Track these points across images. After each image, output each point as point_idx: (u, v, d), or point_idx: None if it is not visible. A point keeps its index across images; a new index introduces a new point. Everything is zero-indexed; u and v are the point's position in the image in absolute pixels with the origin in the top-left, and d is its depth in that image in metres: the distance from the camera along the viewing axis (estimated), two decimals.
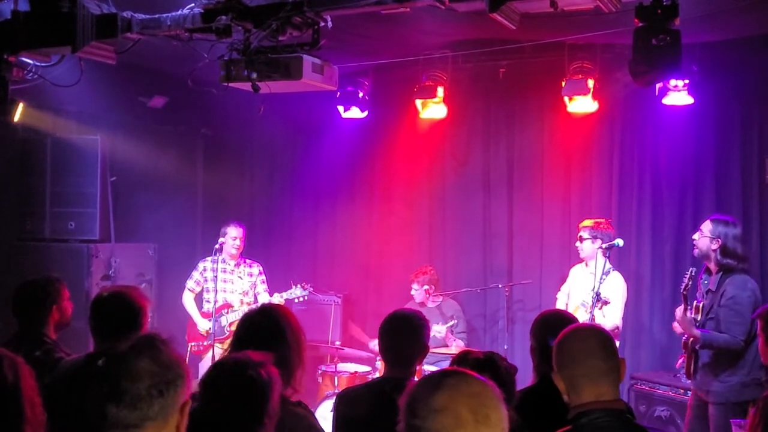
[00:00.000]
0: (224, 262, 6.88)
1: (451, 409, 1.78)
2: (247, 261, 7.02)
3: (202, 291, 6.94)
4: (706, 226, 5.06)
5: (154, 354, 1.96)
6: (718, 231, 4.98)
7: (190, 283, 6.93)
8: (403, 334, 3.43)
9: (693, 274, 4.96)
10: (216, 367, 2.56)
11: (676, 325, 5.17)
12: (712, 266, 5.04)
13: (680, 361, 5.29)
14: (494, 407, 1.82)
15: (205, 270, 6.90)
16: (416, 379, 3.45)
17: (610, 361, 2.47)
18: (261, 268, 7.06)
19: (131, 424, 1.91)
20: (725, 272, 4.96)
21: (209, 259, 6.90)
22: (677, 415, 5.81)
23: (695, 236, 5.14)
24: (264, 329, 2.97)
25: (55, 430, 2.53)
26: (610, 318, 5.73)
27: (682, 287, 4.93)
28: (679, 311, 4.94)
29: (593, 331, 2.61)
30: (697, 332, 4.88)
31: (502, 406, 1.85)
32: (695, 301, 5.11)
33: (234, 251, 6.83)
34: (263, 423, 2.45)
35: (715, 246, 4.96)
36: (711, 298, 4.99)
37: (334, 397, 3.69)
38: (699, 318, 5.02)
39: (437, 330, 6.45)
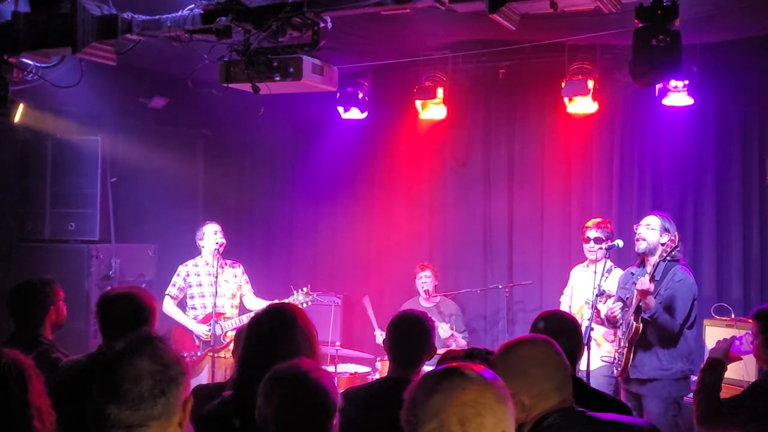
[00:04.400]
0: (207, 265, 6.57)
1: (439, 419, 1.73)
2: (228, 262, 6.68)
3: (184, 298, 6.62)
4: (654, 221, 5.27)
5: (154, 353, 1.95)
6: (666, 225, 5.23)
7: (172, 290, 6.56)
8: (414, 336, 3.43)
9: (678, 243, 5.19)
10: (283, 380, 2.50)
11: (613, 310, 5.32)
12: (654, 259, 5.18)
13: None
14: (490, 413, 1.76)
15: (188, 275, 6.57)
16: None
17: (566, 366, 2.48)
18: (243, 267, 6.79)
19: (134, 424, 1.90)
20: (669, 262, 5.15)
21: (190, 263, 6.63)
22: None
23: (641, 230, 5.27)
24: (273, 329, 2.95)
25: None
26: None
27: (659, 258, 5.09)
28: (645, 279, 4.99)
29: (541, 345, 2.53)
30: (653, 300, 4.99)
31: (504, 406, 1.79)
32: (626, 295, 5.28)
33: (217, 246, 6.42)
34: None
35: (665, 239, 5.18)
36: (655, 286, 5.08)
37: None
38: (630, 309, 5.14)
39: (441, 329, 6.46)
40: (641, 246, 5.25)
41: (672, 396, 5.05)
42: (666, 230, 5.21)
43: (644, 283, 4.97)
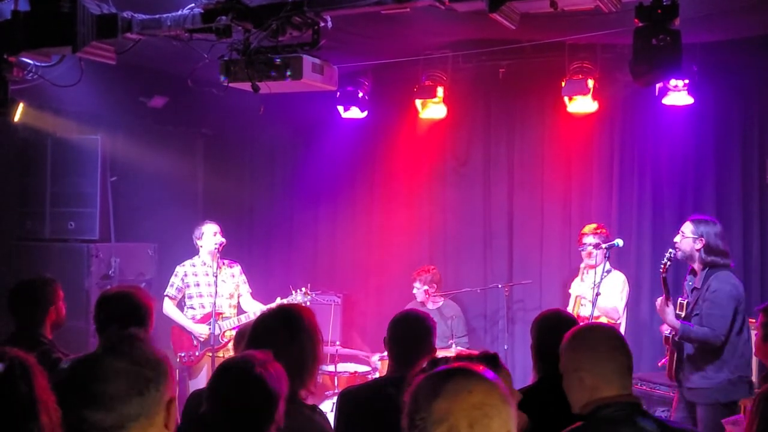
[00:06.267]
0: (204, 265, 6.57)
1: (448, 423, 1.72)
2: (226, 261, 6.65)
3: (183, 298, 6.60)
4: (687, 227, 5.12)
5: (131, 352, 1.92)
6: (700, 230, 5.04)
7: (170, 291, 6.56)
8: (415, 337, 3.43)
9: (671, 256, 5.07)
10: (224, 369, 2.52)
11: (664, 328, 5.21)
12: (697, 266, 5.09)
13: (663, 360, 5.33)
14: (497, 414, 1.75)
15: (186, 275, 6.56)
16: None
17: (630, 357, 2.58)
18: (240, 267, 6.76)
19: (111, 425, 1.86)
20: (710, 269, 5.01)
21: (187, 263, 6.61)
22: None
23: (677, 239, 5.17)
24: (279, 329, 2.94)
25: None
26: (610, 300, 5.79)
27: (662, 269, 5.02)
28: (659, 301, 5.00)
29: (611, 330, 2.66)
30: (676, 322, 4.94)
31: (508, 407, 1.78)
32: (680, 298, 5.17)
33: (215, 246, 6.41)
34: (274, 420, 2.42)
35: (699, 245, 5.02)
36: (696, 296, 5.03)
37: (336, 396, 3.69)
38: (682, 314, 5.07)
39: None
40: (679, 255, 5.15)
41: (719, 402, 4.87)
42: (701, 235, 5.03)
43: (660, 304, 4.96)
